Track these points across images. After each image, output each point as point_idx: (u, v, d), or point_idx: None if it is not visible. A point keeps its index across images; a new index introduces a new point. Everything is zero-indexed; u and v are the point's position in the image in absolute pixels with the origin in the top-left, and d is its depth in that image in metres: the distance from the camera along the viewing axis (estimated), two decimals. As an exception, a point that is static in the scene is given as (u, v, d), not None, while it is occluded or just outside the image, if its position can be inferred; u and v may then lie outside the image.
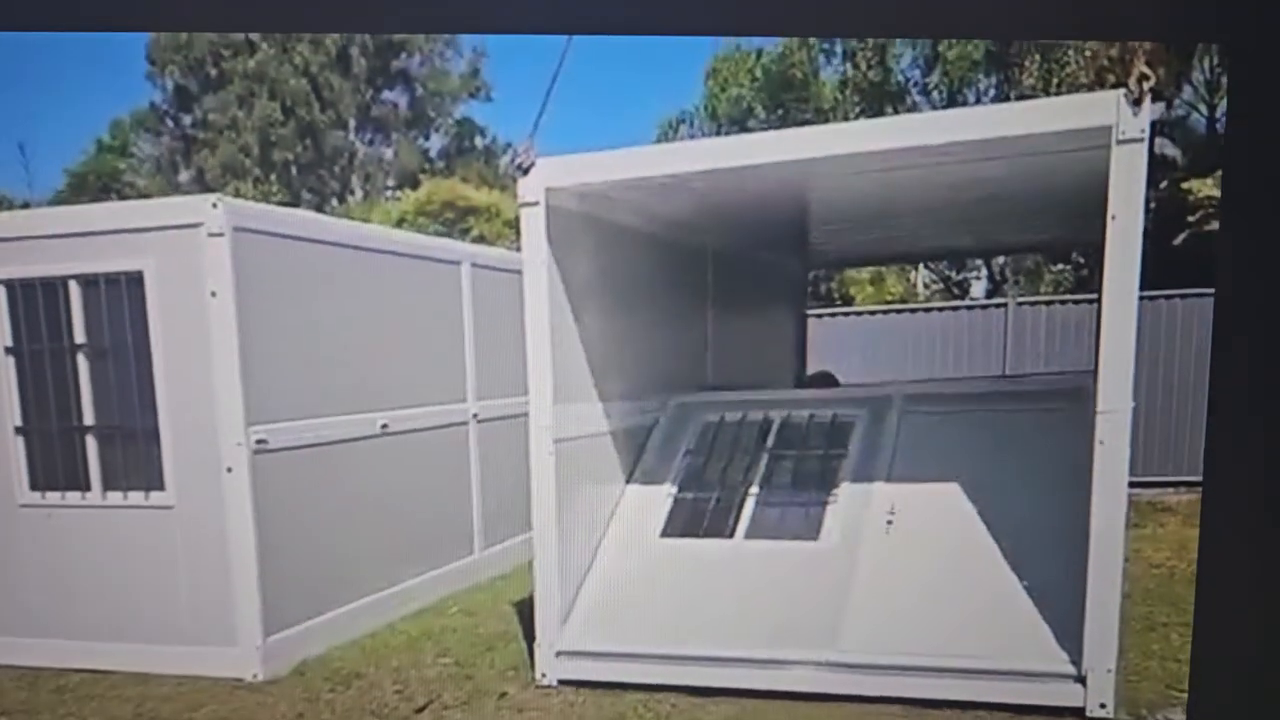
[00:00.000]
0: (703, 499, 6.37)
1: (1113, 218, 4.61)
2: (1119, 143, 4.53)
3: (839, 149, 5.33)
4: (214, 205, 5.87)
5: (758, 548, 6.02)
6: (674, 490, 6.47)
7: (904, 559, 5.61)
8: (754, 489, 6.31)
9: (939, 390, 7.58)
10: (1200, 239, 14.03)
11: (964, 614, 5.31)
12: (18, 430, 6.42)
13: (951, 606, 5.37)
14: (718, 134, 17.48)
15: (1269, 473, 1.15)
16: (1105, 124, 4.54)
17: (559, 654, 5.83)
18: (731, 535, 6.12)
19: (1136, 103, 4.47)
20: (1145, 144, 4.52)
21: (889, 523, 5.75)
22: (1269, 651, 1.19)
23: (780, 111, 15.29)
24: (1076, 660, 4.88)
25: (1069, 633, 4.94)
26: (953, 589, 5.43)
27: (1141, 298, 4.71)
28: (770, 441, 6.59)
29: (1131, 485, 4.92)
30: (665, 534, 6.30)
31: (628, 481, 6.60)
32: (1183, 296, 11.09)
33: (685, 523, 6.32)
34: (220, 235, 5.83)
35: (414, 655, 6.53)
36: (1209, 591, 1.23)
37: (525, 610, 6.75)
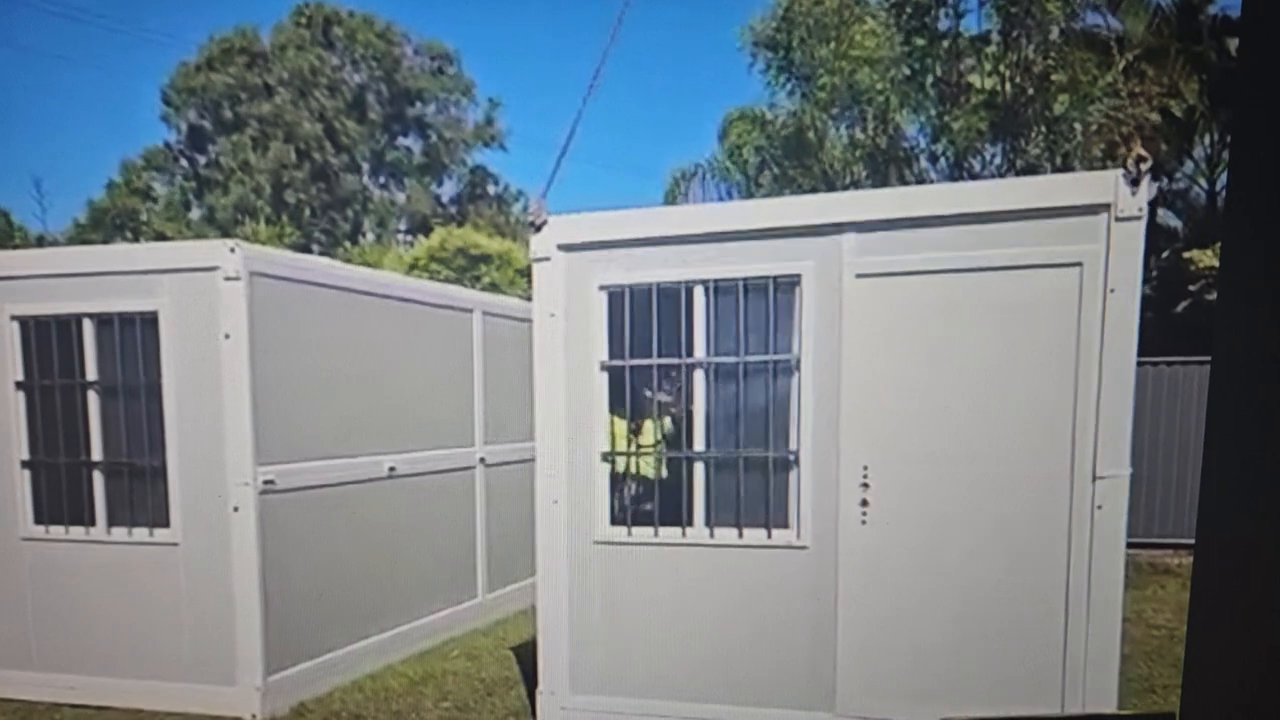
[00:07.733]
0: (642, 482, 5.92)
1: (1111, 291, 4.72)
2: (1118, 220, 4.66)
3: (843, 217, 5.41)
4: (231, 250, 5.95)
5: (725, 559, 5.60)
6: (606, 447, 5.81)
7: (883, 572, 5.32)
8: (698, 445, 5.63)
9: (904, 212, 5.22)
10: (1200, 307, 14.21)
11: (955, 650, 5.22)
12: (24, 464, 6.47)
13: (942, 639, 5.25)
14: (729, 192, 17.63)
15: (1261, 537, 1.20)
16: (1104, 202, 4.68)
17: (563, 709, 5.84)
18: (690, 522, 5.66)
19: (1134, 182, 4.61)
20: (1143, 222, 4.64)
21: (863, 512, 5.32)
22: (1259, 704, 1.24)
23: (791, 173, 15.44)
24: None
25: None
26: (941, 616, 5.25)
27: (1143, 363, 4.78)
28: (697, 344, 5.59)
29: (1132, 546, 4.94)
30: (615, 521, 5.79)
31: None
32: (1184, 363, 11.24)
33: (633, 509, 5.83)
34: (236, 279, 5.92)
35: (415, 698, 6.53)
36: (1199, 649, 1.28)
37: (526, 655, 6.76)
